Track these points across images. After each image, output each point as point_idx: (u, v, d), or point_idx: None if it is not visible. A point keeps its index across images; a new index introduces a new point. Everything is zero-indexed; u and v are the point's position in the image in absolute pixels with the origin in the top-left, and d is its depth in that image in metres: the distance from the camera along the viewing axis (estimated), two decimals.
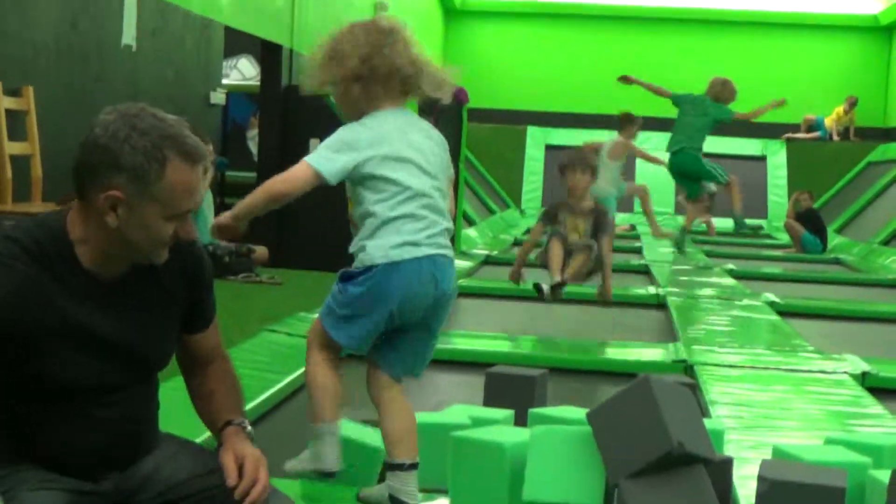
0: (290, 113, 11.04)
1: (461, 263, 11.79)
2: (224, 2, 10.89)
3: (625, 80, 12.67)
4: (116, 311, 2.71)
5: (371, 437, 3.86)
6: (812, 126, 22.08)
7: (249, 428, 2.88)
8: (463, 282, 10.23)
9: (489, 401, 4.74)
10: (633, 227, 18.92)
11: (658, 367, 6.39)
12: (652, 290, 10.02)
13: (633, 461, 3.02)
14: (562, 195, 7.78)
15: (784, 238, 17.56)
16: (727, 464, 3.52)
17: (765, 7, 23.45)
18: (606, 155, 11.99)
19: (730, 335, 7.73)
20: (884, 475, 3.40)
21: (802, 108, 22.31)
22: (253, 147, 14.65)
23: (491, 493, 3.51)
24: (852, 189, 20.22)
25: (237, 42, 14.42)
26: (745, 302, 9.51)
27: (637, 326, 8.42)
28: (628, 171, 20.33)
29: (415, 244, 3.52)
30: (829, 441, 4.01)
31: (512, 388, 4.82)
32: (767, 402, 5.58)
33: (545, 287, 7.71)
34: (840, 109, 22.18)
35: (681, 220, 15.13)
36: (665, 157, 12.41)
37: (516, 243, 15.53)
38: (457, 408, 4.31)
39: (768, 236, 19.26)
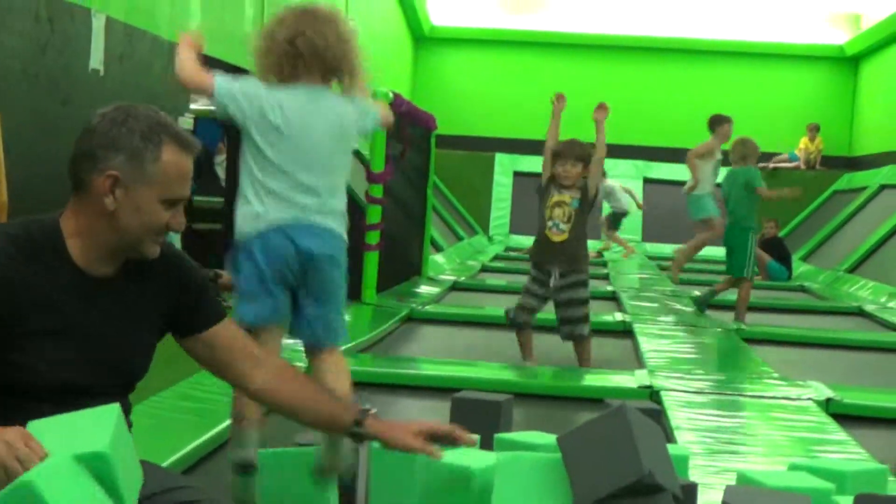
0: None
1: (429, 289, 11.81)
2: (192, 27, 10.89)
3: None
4: (100, 310, 2.76)
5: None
6: (786, 159, 22.22)
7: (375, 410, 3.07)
8: (430, 308, 10.24)
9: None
10: (600, 254, 18.95)
11: (624, 393, 6.41)
12: (619, 316, 10.04)
13: (601, 486, 3.02)
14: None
15: None
16: (692, 490, 3.54)
17: (732, 37, 23.62)
18: (696, 156, 12.04)
19: (695, 362, 7.76)
20: (847, 501, 3.42)
21: (770, 138, 22.43)
22: (221, 172, 14.63)
23: None
24: (818, 217, 20.33)
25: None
26: (711, 329, 9.55)
27: (603, 353, 8.43)
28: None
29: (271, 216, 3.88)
30: (792, 467, 4.03)
31: (478, 413, 4.84)
32: (732, 428, 5.60)
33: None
34: (805, 139, 22.30)
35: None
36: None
37: (484, 269, 15.55)
38: None
39: None
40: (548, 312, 7.84)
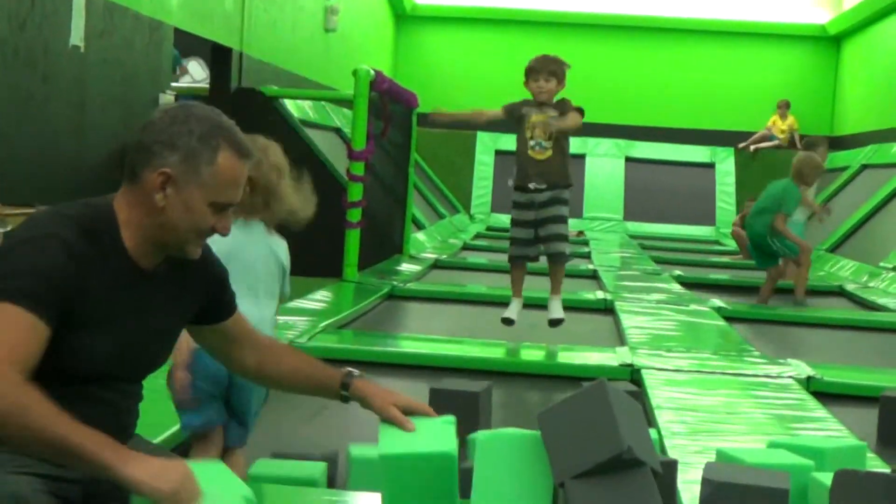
0: (240, 116, 10.98)
1: (410, 267, 11.81)
2: (174, 4, 10.85)
3: None
4: (146, 300, 2.83)
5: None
6: (767, 137, 22.15)
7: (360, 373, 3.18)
8: (411, 285, 10.24)
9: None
10: (581, 233, 18.98)
11: (604, 371, 6.41)
12: (600, 294, 10.05)
13: (581, 462, 3.02)
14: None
15: (731, 245, 17.68)
16: (672, 466, 3.55)
17: (714, 16, 23.59)
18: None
19: (676, 340, 7.77)
20: (826, 477, 3.44)
21: (750, 117, 22.49)
22: None
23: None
24: None
25: (187, 44, 14.37)
26: (692, 307, 9.56)
27: (585, 331, 8.45)
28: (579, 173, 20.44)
29: None
30: (772, 444, 4.04)
31: (456, 404, 4.83)
32: (713, 406, 5.61)
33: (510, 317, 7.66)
34: (775, 117, 22.21)
35: None
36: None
37: (465, 247, 15.55)
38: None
39: (719, 246, 19.38)
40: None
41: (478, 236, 17.90)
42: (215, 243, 3.01)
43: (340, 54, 17.42)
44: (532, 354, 7.11)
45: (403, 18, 24.22)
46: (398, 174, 12.90)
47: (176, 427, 4.25)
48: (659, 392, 5.83)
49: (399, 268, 11.67)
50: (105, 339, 2.72)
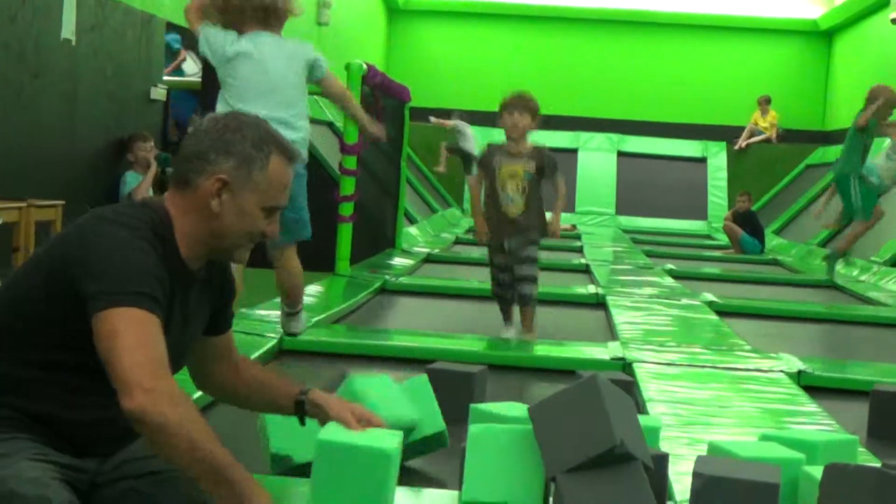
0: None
1: (402, 261, 11.81)
2: None
3: None
4: (192, 306, 2.89)
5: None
6: (754, 132, 22.13)
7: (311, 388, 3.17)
8: (404, 279, 10.24)
9: None
10: (574, 227, 18.99)
11: (596, 365, 6.41)
12: (592, 289, 10.05)
13: (573, 457, 3.02)
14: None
15: (723, 239, 17.70)
16: (663, 460, 3.55)
17: (706, 10, 23.62)
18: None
19: (668, 334, 7.77)
20: (817, 471, 3.44)
21: (742, 111, 22.50)
22: None
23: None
24: (791, 191, 20.42)
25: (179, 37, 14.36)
26: (684, 301, 9.57)
27: (576, 325, 8.45)
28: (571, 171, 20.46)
29: None
30: (763, 437, 4.04)
31: (451, 385, 4.86)
32: (704, 399, 5.61)
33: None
34: (756, 114, 22.14)
35: None
36: None
37: (457, 242, 15.56)
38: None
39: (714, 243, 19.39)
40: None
41: (470, 230, 17.86)
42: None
43: (332, 48, 17.40)
44: (524, 348, 7.11)
45: (396, 12, 24.22)
46: (390, 168, 12.90)
47: None
48: (651, 385, 5.84)
49: (391, 262, 11.67)
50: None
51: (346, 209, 10.24)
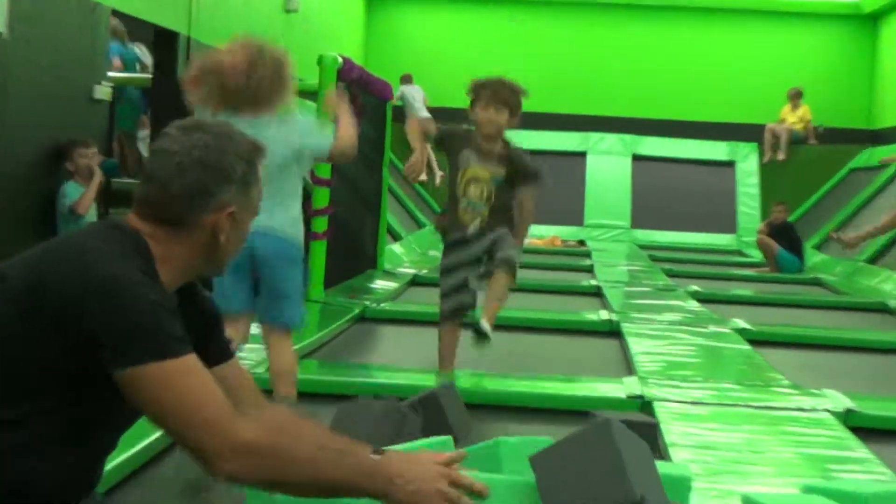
0: (187, 110, 10.95)
1: (385, 284, 11.78)
2: None
3: None
4: None
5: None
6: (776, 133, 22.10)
7: None
8: (386, 305, 10.22)
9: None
10: (582, 243, 18.99)
11: (611, 404, 6.39)
12: (604, 315, 10.03)
13: None
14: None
15: (756, 255, 17.69)
16: None
17: None
18: None
19: (693, 367, 7.76)
20: None
21: (775, 107, 22.45)
22: (144, 149, 14.53)
23: None
24: (833, 199, 20.41)
25: (126, 29, 14.34)
26: (711, 329, 9.56)
27: (587, 357, 8.43)
28: (579, 178, 20.45)
29: None
30: (806, 489, 4.02)
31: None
32: (736, 444, 5.60)
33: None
34: (787, 108, 22.11)
35: None
36: None
37: None
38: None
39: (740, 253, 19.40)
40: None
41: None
42: None
43: (303, 38, 17.38)
44: (525, 385, 7.07)
45: (375, 1, 24.16)
46: (370, 176, 12.88)
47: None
48: (674, 428, 5.81)
49: (372, 285, 11.66)
50: None
51: (320, 225, 10.21)
